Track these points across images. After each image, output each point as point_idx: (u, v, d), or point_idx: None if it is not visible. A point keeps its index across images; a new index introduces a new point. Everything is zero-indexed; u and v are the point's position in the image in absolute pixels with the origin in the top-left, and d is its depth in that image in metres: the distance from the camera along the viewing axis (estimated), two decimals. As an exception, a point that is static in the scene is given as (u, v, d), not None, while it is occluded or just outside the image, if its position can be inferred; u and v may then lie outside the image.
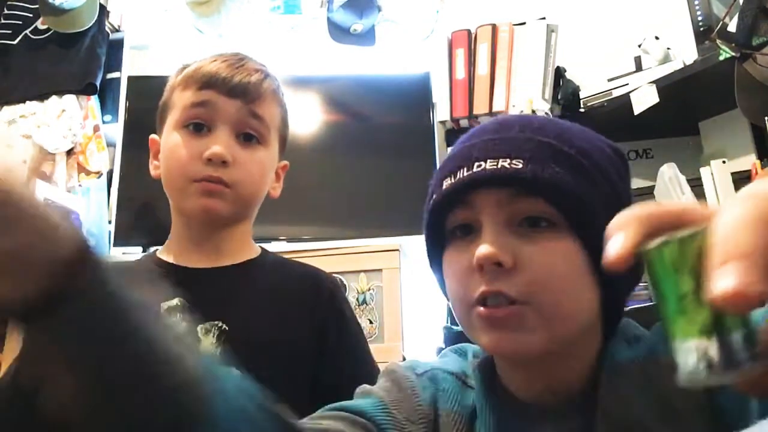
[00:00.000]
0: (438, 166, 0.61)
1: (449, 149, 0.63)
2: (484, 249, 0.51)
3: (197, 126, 0.84)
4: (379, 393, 0.61)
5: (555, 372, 0.56)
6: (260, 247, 0.94)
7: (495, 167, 0.53)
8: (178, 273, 0.85)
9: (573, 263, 0.53)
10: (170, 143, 0.85)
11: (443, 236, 0.59)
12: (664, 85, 1.70)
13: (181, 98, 0.86)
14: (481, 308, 0.53)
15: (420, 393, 0.61)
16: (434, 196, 0.58)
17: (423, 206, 0.62)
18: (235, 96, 0.84)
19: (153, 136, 0.93)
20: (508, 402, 0.59)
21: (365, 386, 0.63)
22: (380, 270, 1.83)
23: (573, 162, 0.55)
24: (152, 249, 0.93)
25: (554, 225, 0.54)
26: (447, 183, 0.56)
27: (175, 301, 0.81)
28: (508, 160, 0.53)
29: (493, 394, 0.59)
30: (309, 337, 0.86)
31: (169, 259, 0.88)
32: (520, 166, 0.53)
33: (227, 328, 0.81)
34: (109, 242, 2.01)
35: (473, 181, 0.54)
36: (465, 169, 0.55)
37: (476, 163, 0.54)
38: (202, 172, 0.82)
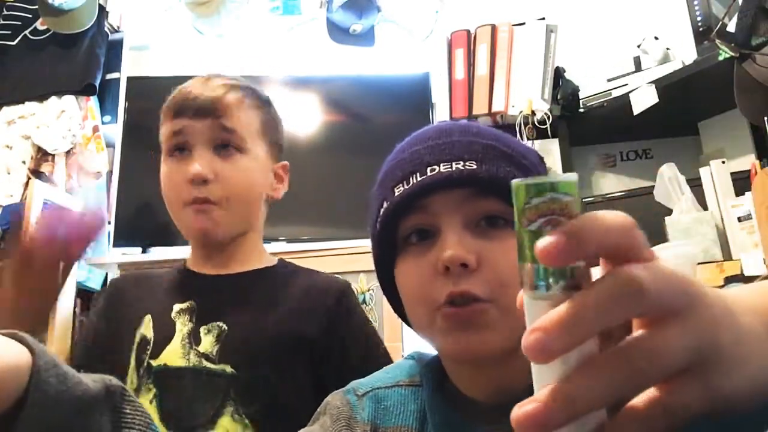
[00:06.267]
0: (380, 176, 0.61)
1: (386, 160, 0.63)
2: (450, 251, 0.52)
3: (180, 149, 0.89)
4: None
5: (505, 371, 0.56)
6: (280, 259, 0.98)
7: (450, 170, 0.54)
8: (194, 279, 0.93)
9: None
10: (163, 174, 0.91)
11: (393, 246, 0.59)
12: (663, 85, 1.70)
13: (164, 130, 0.91)
14: (447, 308, 0.53)
15: (358, 415, 0.61)
16: (385, 205, 0.57)
17: None
18: (202, 115, 0.88)
19: None
20: (457, 402, 0.58)
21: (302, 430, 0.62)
22: (380, 270, 1.83)
23: (517, 162, 0.57)
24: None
25: (508, 223, 0.55)
26: (399, 189, 0.56)
27: (187, 304, 0.89)
28: (462, 163, 0.54)
29: (439, 394, 0.59)
30: (311, 339, 0.87)
31: (190, 266, 0.95)
32: (475, 167, 0.54)
33: (227, 329, 0.85)
34: (109, 242, 2.01)
35: (429, 184, 0.54)
36: (417, 174, 0.55)
37: (429, 168, 0.55)
38: (191, 194, 0.87)
